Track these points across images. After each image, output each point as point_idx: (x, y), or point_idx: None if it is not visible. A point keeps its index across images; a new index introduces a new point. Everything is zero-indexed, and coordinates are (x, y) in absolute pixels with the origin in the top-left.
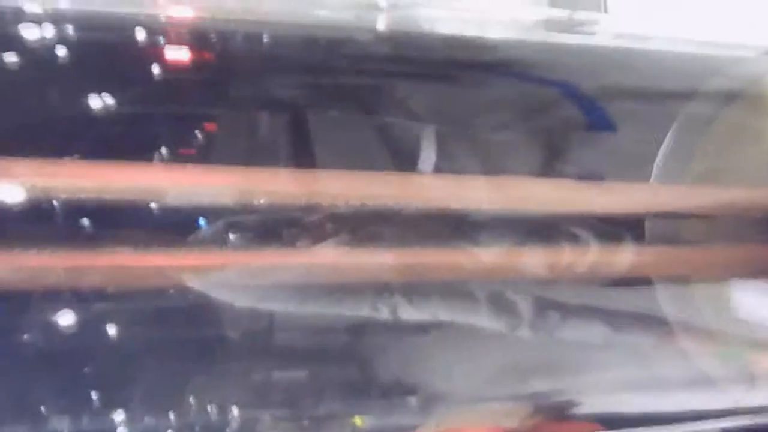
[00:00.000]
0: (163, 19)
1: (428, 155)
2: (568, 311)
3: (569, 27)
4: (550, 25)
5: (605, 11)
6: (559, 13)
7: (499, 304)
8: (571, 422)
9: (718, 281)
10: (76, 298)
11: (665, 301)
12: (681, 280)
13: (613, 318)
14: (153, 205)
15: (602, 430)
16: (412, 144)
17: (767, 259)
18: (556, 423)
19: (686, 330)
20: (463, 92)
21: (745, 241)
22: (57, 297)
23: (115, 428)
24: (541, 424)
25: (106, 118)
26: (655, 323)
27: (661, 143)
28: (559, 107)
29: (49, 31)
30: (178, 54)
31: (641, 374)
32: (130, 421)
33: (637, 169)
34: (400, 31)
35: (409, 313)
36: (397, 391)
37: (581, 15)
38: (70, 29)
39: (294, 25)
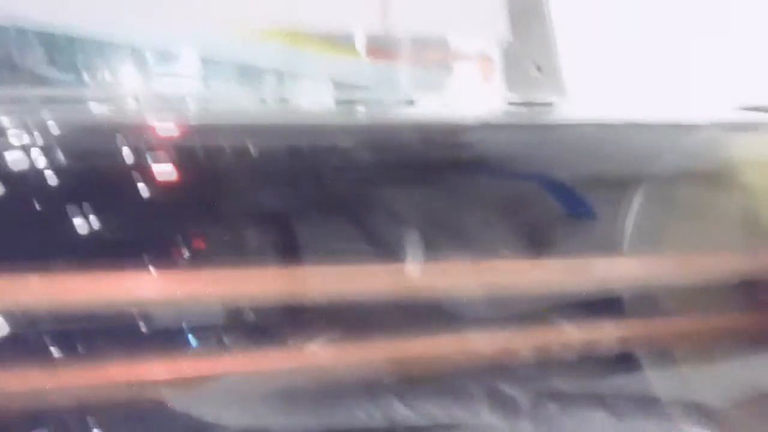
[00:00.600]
0: (143, 135)
1: (414, 256)
2: (566, 400)
3: (529, 111)
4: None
5: (563, 93)
6: (517, 97)
7: (497, 399)
8: None
9: (702, 353)
10: (60, 416)
11: (658, 382)
12: (668, 356)
13: (614, 404)
14: (138, 315)
15: None
16: (397, 246)
17: (746, 327)
18: None
19: (687, 413)
20: (442, 192)
21: (725, 310)
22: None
23: None
24: None
25: (87, 235)
26: (657, 407)
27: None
28: (536, 198)
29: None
30: (160, 168)
31: None
32: None
33: (610, 246)
34: (378, 127)
35: (405, 415)
36: None
37: (539, 98)
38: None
39: (275, 132)
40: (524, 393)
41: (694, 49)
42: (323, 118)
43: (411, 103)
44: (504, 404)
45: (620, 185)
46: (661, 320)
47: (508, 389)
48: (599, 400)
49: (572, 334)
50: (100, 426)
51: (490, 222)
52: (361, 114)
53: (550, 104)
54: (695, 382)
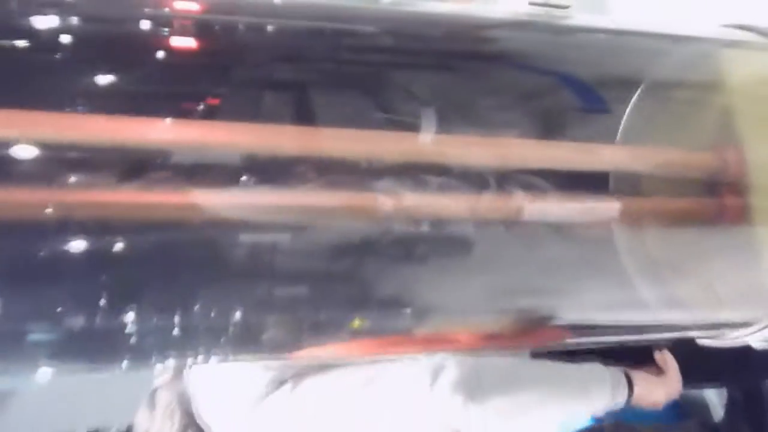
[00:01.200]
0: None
1: (428, 130)
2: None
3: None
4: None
5: None
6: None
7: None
8: (544, 329)
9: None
10: (97, 224)
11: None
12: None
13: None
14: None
15: (571, 336)
16: (412, 122)
17: (711, 211)
18: (532, 329)
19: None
20: (460, 76)
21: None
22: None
23: (125, 327)
24: (518, 329)
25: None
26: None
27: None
28: (552, 91)
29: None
30: (185, 42)
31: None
32: (140, 321)
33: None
34: (400, 12)
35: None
36: (393, 304)
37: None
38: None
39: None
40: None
41: None
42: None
43: None
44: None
45: (621, 85)
46: (634, 198)
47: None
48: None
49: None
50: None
51: (503, 106)
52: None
53: (567, 7)
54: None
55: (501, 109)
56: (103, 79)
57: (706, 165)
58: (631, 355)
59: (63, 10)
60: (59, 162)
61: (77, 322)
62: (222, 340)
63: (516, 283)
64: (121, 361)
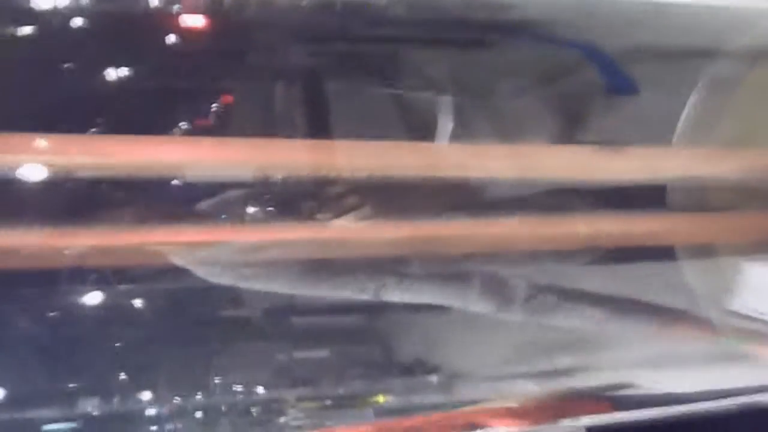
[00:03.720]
0: None
1: (445, 125)
2: (562, 296)
3: None
4: None
5: None
6: None
7: (492, 285)
8: (582, 402)
9: (744, 252)
10: (93, 277)
11: (688, 273)
12: (706, 251)
13: (609, 303)
14: (167, 180)
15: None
16: (428, 114)
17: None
18: (568, 402)
19: (685, 318)
20: (478, 56)
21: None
22: (76, 275)
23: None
24: (553, 403)
25: (117, 91)
26: (652, 310)
27: (683, 106)
28: (579, 71)
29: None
30: (192, 22)
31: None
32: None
33: (658, 134)
34: None
35: (400, 295)
36: (417, 370)
37: None
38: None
39: None
40: (521, 282)
41: None
42: None
43: None
44: (498, 291)
45: (680, 67)
46: (698, 216)
47: (505, 276)
48: (596, 298)
49: (582, 227)
50: (124, 280)
51: (527, 91)
52: None
53: None
54: (698, 285)
55: (524, 94)
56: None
57: None
58: None
59: None
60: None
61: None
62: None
63: (556, 337)
64: None
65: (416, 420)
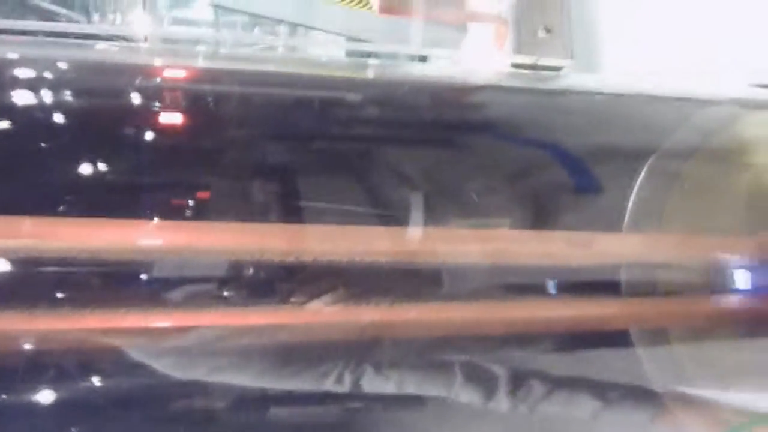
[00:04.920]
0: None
1: (416, 218)
2: (550, 381)
3: (534, 75)
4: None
5: (571, 58)
6: (526, 59)
7: (475, 374)
8: None
9: (697, 334)
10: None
11: (650, 366)
12: (661, 338)
13: (603, 390)
14: (138, 265)
15: None
16: (400, 208)
17: (745, 310)
18: None
19: (679, 402)
20: (449, 154)
21: (719, 291)
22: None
23: None
24: None
25: (98, 181)
26: (648, 395)
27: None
28: (544, 168)
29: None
30: (170, 117)
31: None
32: None
33: (611, 221)
34: (387, 82)
35: (376, 384)
36: None
37: (546, 61)
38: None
39: (286, 84)
40: (504, 369)
41: (707, 22)
42: (333, 70)
43: (423, 59)
44: (482, 379)
45: (625, 158)
46: (656, 300)
47: (487, 364)
48: (589, 385)
49: (563, 311)
50: (92, 370)
51: (494, 187)
52: (372, 67)
53: (558, 68)
54: (688, 367)
55: (489, 190)
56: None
57: (745, 253)
58: None
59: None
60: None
61: None
62: None
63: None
64: None
65: None
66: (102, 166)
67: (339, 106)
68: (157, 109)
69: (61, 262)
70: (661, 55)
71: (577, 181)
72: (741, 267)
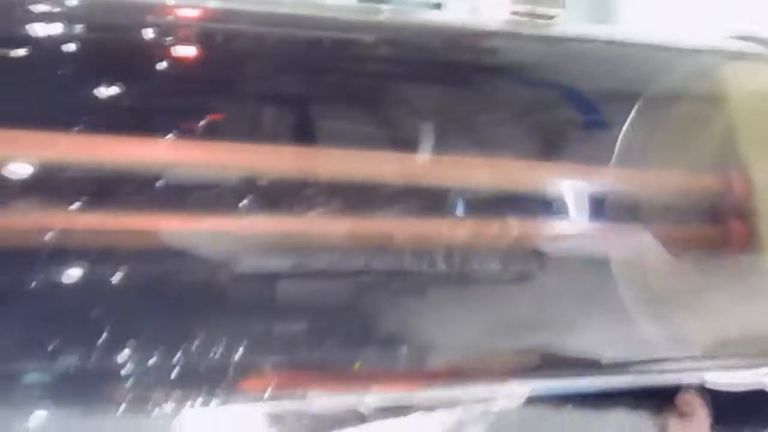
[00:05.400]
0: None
1: (424, 146)
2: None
3: (531, 21)
4: (515, 20)
5: (563, 7)
6: (523, 8)
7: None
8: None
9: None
10: (93, 255)
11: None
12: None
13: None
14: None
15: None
16: (410, 138)
17: (714, 238)
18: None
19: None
20: (460, 92)
21: (692, 221)
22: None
23: (121, 368)
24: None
25: (114, 105)
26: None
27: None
28: (544, 105)
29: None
30: (186, 50)
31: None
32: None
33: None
34: (398, 25)
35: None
36: (390, 342)
37: (541, 10)
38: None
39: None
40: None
41: None
42: (345, 14)
43: (437, 6)
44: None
45: (615, 101)
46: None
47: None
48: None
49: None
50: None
51: (500, 121)
52: (384, 12)
53: (551, 17)
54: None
55: (494, 124)
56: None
57: (708, 188)
58: (658, 399)
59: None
60: (50, 184)
61: (71, 362)
62: (220, 383)
63: (511, 317)
64: (117, 405)
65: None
66: (127, 93)
67: (350, 45)
68: (172, 43)
69: (94, 172)
70: (651, 9)
71: (578, 118)
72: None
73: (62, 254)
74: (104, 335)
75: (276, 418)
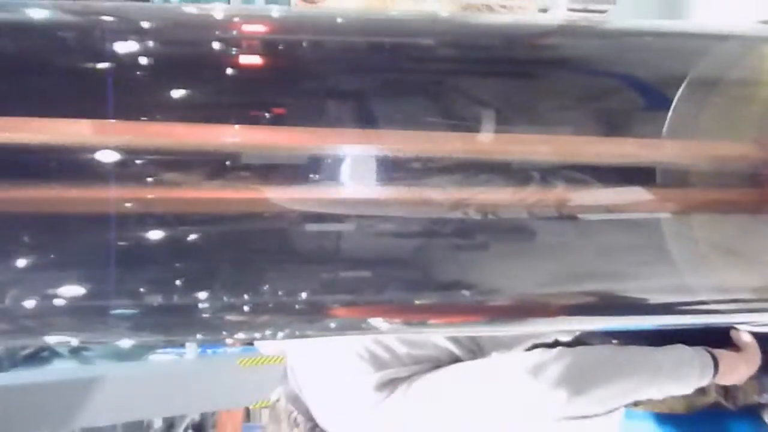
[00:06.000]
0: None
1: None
2: None
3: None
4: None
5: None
6: (578, 4)
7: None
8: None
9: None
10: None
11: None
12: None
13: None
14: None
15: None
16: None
17: (755, 200)
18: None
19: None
20: (528, 83)
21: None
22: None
23: (199, 305)
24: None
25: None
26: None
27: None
28: (602, 91)
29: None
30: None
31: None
32: (213, 300)
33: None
34: (460, 23)
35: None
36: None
37: (594, 6)
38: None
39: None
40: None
41: None
42: (410, 17)
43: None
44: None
45: (664, 84)
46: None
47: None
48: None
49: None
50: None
51: (555, 107)
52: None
53: (604, 11)
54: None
55: (553, 110)
56: (188, 93)
57: (749, 156)
58: (711, 337)
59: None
60: (151, 163)
61: (156, 299)
62: (289, 319)
63: (568, 268)
64: (194, 335)
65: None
66: (210, 93)
67: (412, 45)
68: (242, 51)
69: (177, 153)
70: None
71: (629, 100)
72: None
73: (181, 217)
74: (187, 279)
75: (453, 339)
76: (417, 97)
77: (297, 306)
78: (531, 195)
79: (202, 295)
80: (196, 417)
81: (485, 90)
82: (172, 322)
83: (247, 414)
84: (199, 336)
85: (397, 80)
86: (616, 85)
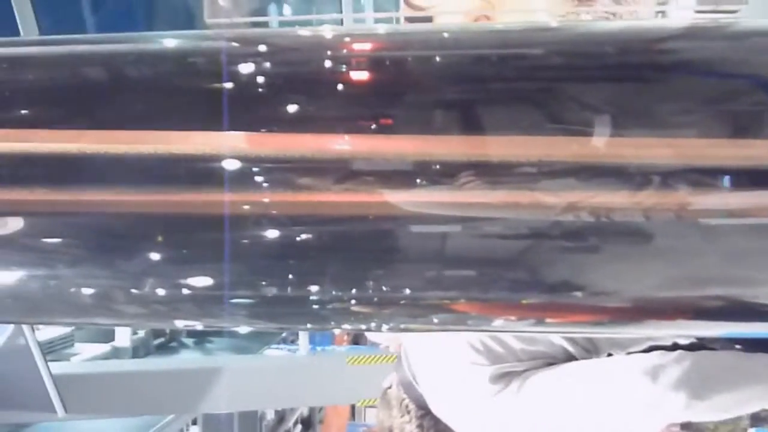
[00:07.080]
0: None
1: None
2: None
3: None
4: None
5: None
6: (708, 6)
7: None
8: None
9: None
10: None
11: None
12: None
13: None
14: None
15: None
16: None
17: None
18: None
19: None
20: (654, 87)
21: None
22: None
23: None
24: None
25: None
26: None
27: None
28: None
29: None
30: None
31: None
32: (324, 293)
33: None
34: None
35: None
36: (563, 288)
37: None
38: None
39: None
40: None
41: None
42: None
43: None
44: None
45: None
46: None
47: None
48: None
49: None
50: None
51: (680, 111)
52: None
53: (734, 12)
54: None
55: (677, 114)
56: (314, 108)
57: None
58: None
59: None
60: (280, 170)
61: (271, 291)
62: (397, 313)
63: (690, 272)
64: (305, 324)
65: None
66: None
67: (525, 54)
68: (351, 66)
69: (304, 161)
70: None
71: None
72: None
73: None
74: (299, 273)
75: (569, 338)
76: (533, 107)
77: (404, 301)
78: (648, 198)
79: (314, 288)
80: (305, 411)
81: (602, 96)
82: (285, 312)
83: (353, 413)
84: (309, 325)
85: (512, 89)
86: (746, 87)
